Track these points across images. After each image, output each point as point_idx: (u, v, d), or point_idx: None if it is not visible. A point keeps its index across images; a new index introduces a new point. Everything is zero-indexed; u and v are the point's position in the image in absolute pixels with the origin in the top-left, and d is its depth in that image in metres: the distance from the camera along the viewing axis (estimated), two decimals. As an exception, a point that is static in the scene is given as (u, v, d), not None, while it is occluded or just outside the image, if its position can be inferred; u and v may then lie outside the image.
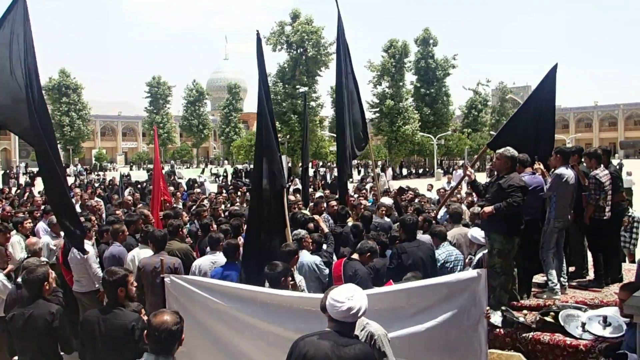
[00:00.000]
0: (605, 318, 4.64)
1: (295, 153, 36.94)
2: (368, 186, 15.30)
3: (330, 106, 46.22)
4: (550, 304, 5.35)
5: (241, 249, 5.59)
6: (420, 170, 50.83)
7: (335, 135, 15.49)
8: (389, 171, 38.26)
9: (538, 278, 6.16)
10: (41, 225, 8.47)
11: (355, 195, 12.00)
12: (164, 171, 18.29)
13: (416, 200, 10.83)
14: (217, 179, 40.55)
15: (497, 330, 5.07)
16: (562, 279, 5.87)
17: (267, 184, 5.30)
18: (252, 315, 3.96)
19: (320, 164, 50.86)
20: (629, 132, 74.63)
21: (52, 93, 52.99)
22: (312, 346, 2.85)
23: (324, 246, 6.51)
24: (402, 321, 3.87)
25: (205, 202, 11.47)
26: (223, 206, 10.95)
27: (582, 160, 6.21)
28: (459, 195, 11.47)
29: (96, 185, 23.32)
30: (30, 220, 8.21)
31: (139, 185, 20.78)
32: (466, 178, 5.98)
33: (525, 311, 5.32)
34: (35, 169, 35.55)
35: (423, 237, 6.21)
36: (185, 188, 20.32)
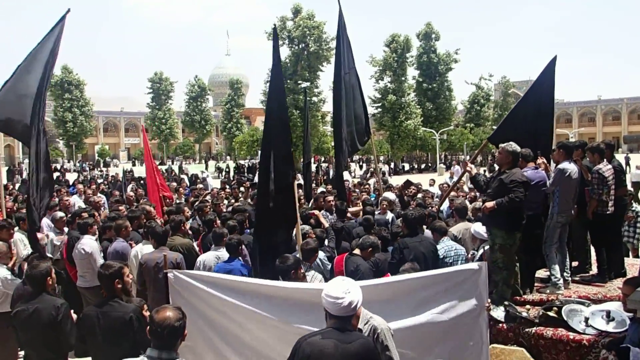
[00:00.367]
0: (608, 313, 4.62)
1: (297, 148, 36.94)
2: (371, 181, 15.29)
3: (332, 101, 46.01)
4: (553, 299, 5.35)
5: (244, 245, 5.59)
6: (423, 166, 50.75)
7: (335, 130, 15.42)
8: (384, 167, 38.07)
9: (541, 273, 6.15)
10: (45, 221, 8.42)
11: (357, 191, 12.00)
12: (164, 168, 18.33)
13: (419, 195, 10.83)
14: (220, 174, 40.58)
15: (500, 325, 5.07)
16: (565, 273, 5.85)
17: (275, 179, 5.30)
18: (255, 309, 3.95)
19: (323, 159, 50.81)
20: (632, 126, 74.19)
21: (55, 89, 53.06)
22: (316, 347, 2.85)
23: (326, 241, 6.52)
24: (402, 313, 3.87)
25: (208, 197, 11.49)
26: (226, 202, 10.96)
27: (585, 154, 6.18)
28: (461, 193, 11.44)
29: (99, 181, 23.36)
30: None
31: (142, 181, 20.79)
32: (467, 174, 5.96)
33: (528, 306, 5.30)
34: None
35: (427, 232, 6.21)
36: (188, 184, 20.33)
